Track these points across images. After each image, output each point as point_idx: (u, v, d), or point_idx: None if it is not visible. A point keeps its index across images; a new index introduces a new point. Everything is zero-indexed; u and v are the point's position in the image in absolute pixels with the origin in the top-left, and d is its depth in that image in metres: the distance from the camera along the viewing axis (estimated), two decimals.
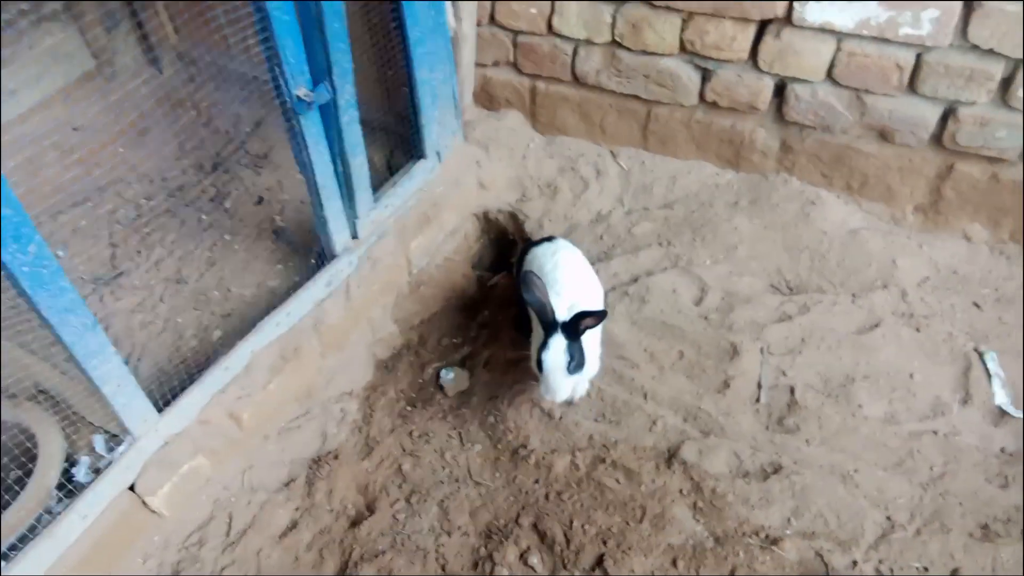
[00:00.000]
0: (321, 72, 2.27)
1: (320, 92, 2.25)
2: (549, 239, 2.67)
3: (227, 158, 3.37)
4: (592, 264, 2.95)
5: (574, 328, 2.18)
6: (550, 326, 2.19)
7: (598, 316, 2.17)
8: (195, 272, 2.89)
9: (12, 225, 1.64)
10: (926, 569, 2.06)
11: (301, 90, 2.20)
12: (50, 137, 3.23)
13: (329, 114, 2.39)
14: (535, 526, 2.26)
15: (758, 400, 2.46)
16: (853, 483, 2.23)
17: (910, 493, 2.22)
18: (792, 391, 2.45)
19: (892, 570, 2.05)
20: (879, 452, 2.31)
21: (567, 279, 2.44)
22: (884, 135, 2.85)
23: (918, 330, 2.60)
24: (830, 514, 2.17)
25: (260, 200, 3.18)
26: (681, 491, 2.27)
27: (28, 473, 2.16)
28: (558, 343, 2.18)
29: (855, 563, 2.07)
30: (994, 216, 2.85)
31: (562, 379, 2.22)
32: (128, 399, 2.08)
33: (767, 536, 2.14)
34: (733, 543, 2.13)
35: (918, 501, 2.20)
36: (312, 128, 2.33)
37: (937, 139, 2.77)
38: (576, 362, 2.21)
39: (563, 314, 2.26)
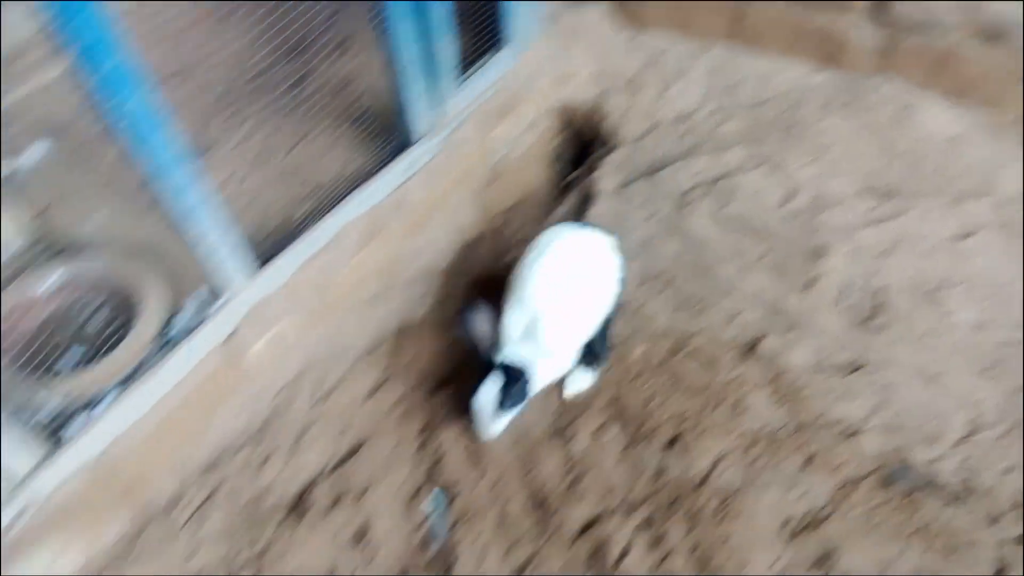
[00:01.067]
0: None
1: None
2: (573, 224, 2.36)
3: (310, 42, 3.35)
4: (672, 163, 2.90)
5: (513, 374, 2.03)
6: (490, 364, 2.06)
7: (520, 387, 2.03)
8: (279, 151, 2.92)
9: (126, 71, 1.67)
10: (1010, 471, 2.03)
11: None
12: (136, 14, 3.25)
13: None
14: (613, 403, 2.29)
15: (844, 300, 2.42)
16: (938, 384, 2.20)
17: (997, 398, 2.18)
18: (880, 293, 2.41)
19: (974, 470, 2.04)
20: (967, 357, 2.26)
21: (546, 288, 2.12)
22: (992, 37, 2.68)
23: (1016, 240, 2.51)
24: (913, 411, 2.15)
25: (342, 85, 3.17)
26: (760, 382, 2.27)
27: (129, 323, 2.26)
28: (493, 384, 2.03)
29: (936, 459, 2.06)
30: None
31: (489, 421, 2.08)
32: (226, 257, 2.14)
33: (847, 428, 2.14)
34: (811, 432, 2.14)
35: (1005, 406, 2.16)
36: (398, 3, 2.29)
37: None
38: (512, 401, 2.06)
39: (518, 331, 2.08)
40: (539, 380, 2.13)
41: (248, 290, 2.27)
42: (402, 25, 2.34)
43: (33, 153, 2.76)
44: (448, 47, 2.58)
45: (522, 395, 2.09)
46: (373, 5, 2.28)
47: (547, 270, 2.14)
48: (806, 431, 2.14)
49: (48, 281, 2.37)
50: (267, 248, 2.39)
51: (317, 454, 2.24)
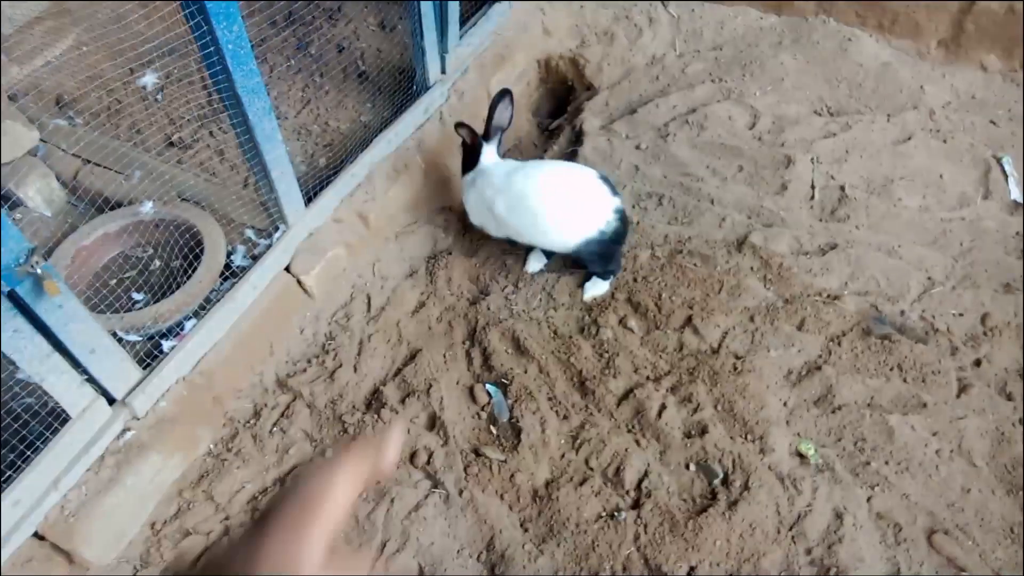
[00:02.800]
0: None
1: None
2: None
3: (300, 14, 3.58)
4: (649, 101, 3.27)
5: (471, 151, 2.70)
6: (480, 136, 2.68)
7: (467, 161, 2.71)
8: (292, 110, 3.15)
9: (223, 6, 1.90)
10: (961, 315, 2.49)
11: None
12: None
13: None
14: (629, 300, 2.64)
15: (812, 198, 2.85)
16: (898, 255, 2.65)
17: (944, 262, 2.64)
18: (841, 189, 2.84)
19: (934, 316, 2.48)
20: (918, 233, 2.72)
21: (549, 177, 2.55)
22: None
23: (944, 142, 2.99)
24: (881, 277, 2.58)
25: (341, 48, 3.42)
26: (752, 268, 2.67)
27: (194, 260, 2.47)
28: (461, 136, 2.70)
29: (903, 312, 2.50)
30: (1008, 47, 3.22)
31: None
32: (287, 188, 2.38)
33: (829, 295, 2.55)
34: (800, 302, 2.54)
35: (952, 267, 2.62)
36: None
37: None
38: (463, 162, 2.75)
39: (506, 165, 2.63)
40: (471, 197, 2.69)
41: (303, 221, 2.51)
42: None
43: (147, 78, 3.05)
44: (456, 2, 2.87)
45: (467, 165, 2.72)
46: None
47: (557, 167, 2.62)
48: (795, 302, 2.55)
49: (111, 226, 2.55)
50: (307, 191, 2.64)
51: (380, 362, 2.51)
